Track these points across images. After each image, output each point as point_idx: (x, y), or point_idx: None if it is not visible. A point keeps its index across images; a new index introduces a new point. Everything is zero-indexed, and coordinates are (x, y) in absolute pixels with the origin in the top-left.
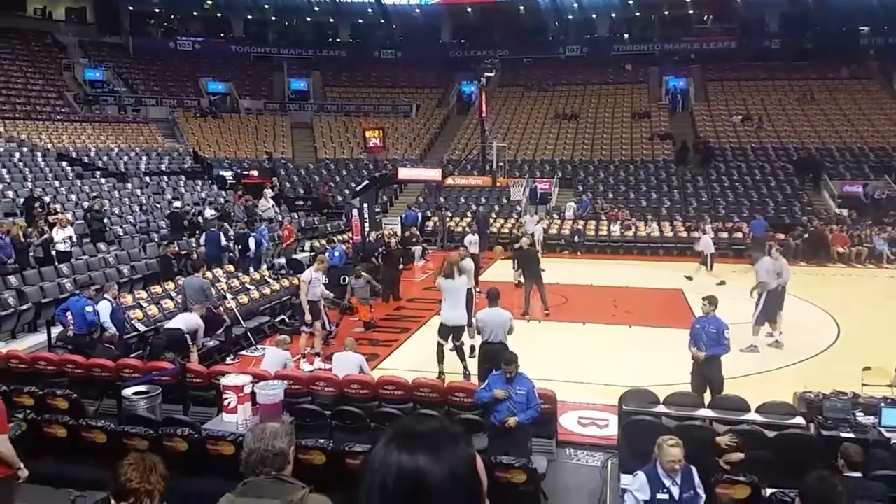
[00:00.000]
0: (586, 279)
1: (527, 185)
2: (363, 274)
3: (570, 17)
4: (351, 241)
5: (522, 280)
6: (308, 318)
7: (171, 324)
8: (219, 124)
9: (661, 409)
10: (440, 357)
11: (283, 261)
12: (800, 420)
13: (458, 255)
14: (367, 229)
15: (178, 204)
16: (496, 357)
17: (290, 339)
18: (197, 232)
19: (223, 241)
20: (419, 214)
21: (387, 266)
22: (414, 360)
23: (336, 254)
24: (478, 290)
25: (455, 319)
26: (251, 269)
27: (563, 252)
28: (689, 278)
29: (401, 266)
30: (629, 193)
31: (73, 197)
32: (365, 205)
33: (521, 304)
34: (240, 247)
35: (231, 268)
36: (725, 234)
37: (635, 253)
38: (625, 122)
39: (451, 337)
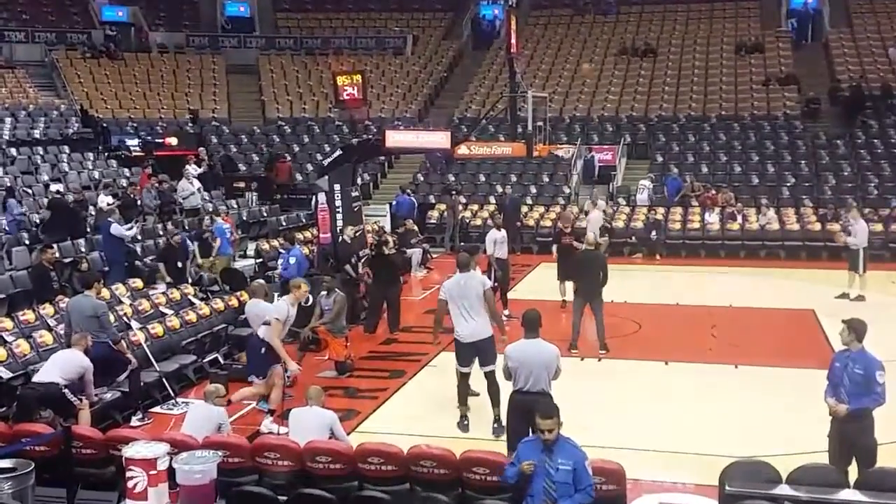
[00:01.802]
0: (669, 296)
1: (578, 156)
2: (337, 290)
3: None
4: (317, 241)
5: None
6: (294, 367)
7: (40, 375)
8: (119, 69)
9: (783, 490)
10: (461, 395)
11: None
12: None
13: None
14: (339, 223)
15: (58, 188)
16: (534, 413)
17: (224, 389)
18: (87, 230)
19: (118, 230)
20: (416, 202)
21: (374, 281)
22: (411, 418)
23: (292, 260)
24: (507, 312)
25: (471, 334)
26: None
27: (636, 255)
28: (846, 296)
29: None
30: (733, 166)
31: None
32: (336, 187)
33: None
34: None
35: (139, 283)
36: (879, 227)
37: (743, 255)
38: (726, 59)
39: (474, 361)
